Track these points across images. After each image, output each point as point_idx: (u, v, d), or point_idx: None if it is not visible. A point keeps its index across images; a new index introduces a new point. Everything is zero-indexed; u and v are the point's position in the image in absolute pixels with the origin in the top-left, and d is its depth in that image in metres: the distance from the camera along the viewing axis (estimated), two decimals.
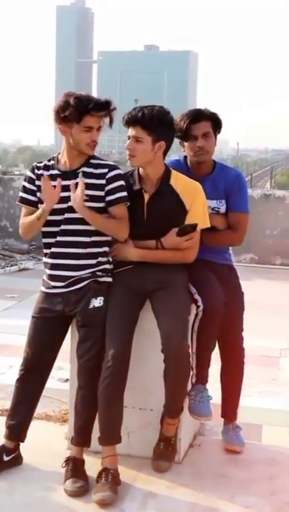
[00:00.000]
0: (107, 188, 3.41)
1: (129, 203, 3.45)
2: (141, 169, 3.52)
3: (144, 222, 3.49)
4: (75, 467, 3.38)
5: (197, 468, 3.62)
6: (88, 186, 3.38)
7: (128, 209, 3.46)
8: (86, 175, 3.40)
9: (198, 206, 3.52)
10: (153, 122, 3.38)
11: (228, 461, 3.73)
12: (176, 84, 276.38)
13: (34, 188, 3.49)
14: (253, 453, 3.83)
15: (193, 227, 3.45)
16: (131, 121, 3.41)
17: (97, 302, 3.43)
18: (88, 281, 3.44)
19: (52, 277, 3.48)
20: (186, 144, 3.67)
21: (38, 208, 3.44)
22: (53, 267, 3.47)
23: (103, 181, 3.41)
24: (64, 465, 3.41)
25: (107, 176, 3.42)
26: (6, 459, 3.50)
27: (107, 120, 3.42)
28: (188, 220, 3.50)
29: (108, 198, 3.41)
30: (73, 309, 3.45)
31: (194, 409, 3.58)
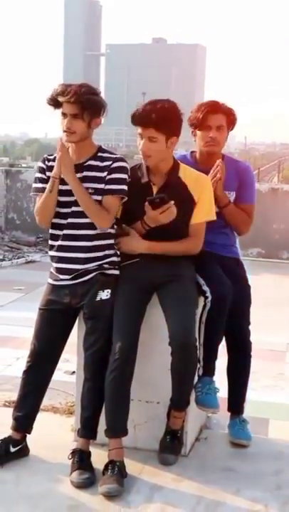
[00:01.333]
0: (107, 178, 3.40)
1: (126, 198, 3.44)
2: None
3: None
4: (81, 459, 3.39)
5: (203, 461, 3.62)
6: (92, 179, 3.39)
7: (136, 202, 3.45)
8: (92, 168, 3.41)
9: (206, 198, 3.53)
10: (166, 123, 3.37)
11: (235, 454, 3.73)
12: (184, 78, 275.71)
13: (46, 177, 3.49)
14: (260, 447, 3.82)
15: (161, 198, 3.39)
16: (143, 123, 3.37)
17: (104, 295, 3.43)
18: (95, 273, 3.44)
19: (59, 270, 3.48)
20: (198, 133, 3.68)
21: None
22: (61, 260, 3.47)
23: (105, 173, 3.41)
24: (70, 457, 3.42)
25: (109, 168, 3.41)
26: (12, 450, 3.51)
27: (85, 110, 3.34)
28: (196, 213, 3.51)
29: (105, 187, 3.40)
30: (80, 301, 3.45)
31: (201, 401, 3.58)
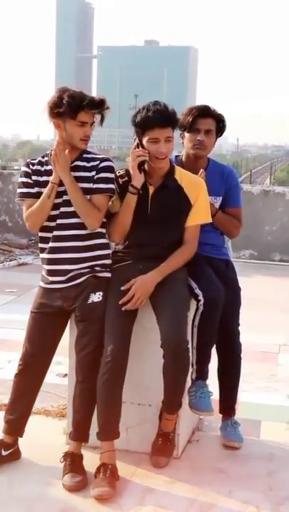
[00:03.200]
0: (95, 177, 3.42)
1: (114, 197, 3.45)
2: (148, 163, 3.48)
3: (148, 214, 3.49)
4: (73, 462, 3.39)
5: (195, 463, 3.62)
6: (79, 179, 3.40)
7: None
8: (78, 168, 3.42)
9: (202, 201, 3.54)
10: (177, 121, 3.41)
11: (227, 456, 3.73)
12: (176, 80, 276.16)
13: (31, 182, 3.49)
14: (252, 448, 3.83)
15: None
16: (164, 123, 3.34)
17: (96, 297, 3.43)
18: (87, 276, 3.44)
19: (51, 272, 3.48)
20: (186, 135, 3.69)
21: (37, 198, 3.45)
22: (52, 261, 3.47)
23: (93, 173, 3.42)
24: (62, 460, 3.42)
25: (97, 168, 3.43)
26: (4, 453, 3.51)
27: (99, 116, 3.43)
28: (192, 215, 3.51)
29: (93, 186, 3.41)
30: (72, 304, 3.45)
31: (195, 404, 3.58)
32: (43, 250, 3.52)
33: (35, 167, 3.50)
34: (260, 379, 5.06)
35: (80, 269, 3.44)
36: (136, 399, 3.62)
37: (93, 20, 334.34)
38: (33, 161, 3.55)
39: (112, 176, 3.45)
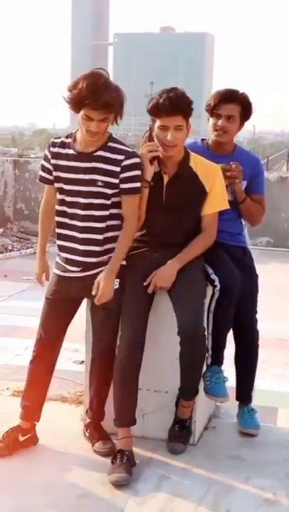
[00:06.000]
0: (122, 175, 3.31)
1: (140, 194, 3.39)
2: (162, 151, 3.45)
3: (163, 203, 3.46)
4: (96, 429, 3.50)
5: (212, 450, 3.63)
6: (103, 172, 3.30)
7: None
8: (102, 159, 3.31)
9: (218, 188, 3.51)
10: (190, 109, 3.35)
11: (243, 443, 3.73)
12: (192, 67, 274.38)
13: (50, 167, 3.44)
14: (268, 435, 3.82)
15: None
16: (173, 111, 3.29)
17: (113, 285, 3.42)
18: (104, 267, 3.40)
19: (68, 261, 3.46)
20: (210, 119, 3.67)
21: (53, 185, 3.43)
22: (70, 251, 3.44)
23: (118, 168, 3.30)
24: (85, 429, 3.54)
25: (122, 164, 3.30)
26: (21, 439, 3.53)
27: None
28: (209, 203, 3.49)
29: (122, 186, 3.33)
30: (89, 292, 3.44)
31: (210, 389, 3.58)
32: (60, 236, 3.50)
33: (57, 149, 3.40)
34: (276, 366, 5.05)
35: (97, 261, 3.41)
36: (152, 386, 3.62)
37: (109, 7, 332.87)
38: (55, 141, 3.43)
39: (139, 173, 3.34)
